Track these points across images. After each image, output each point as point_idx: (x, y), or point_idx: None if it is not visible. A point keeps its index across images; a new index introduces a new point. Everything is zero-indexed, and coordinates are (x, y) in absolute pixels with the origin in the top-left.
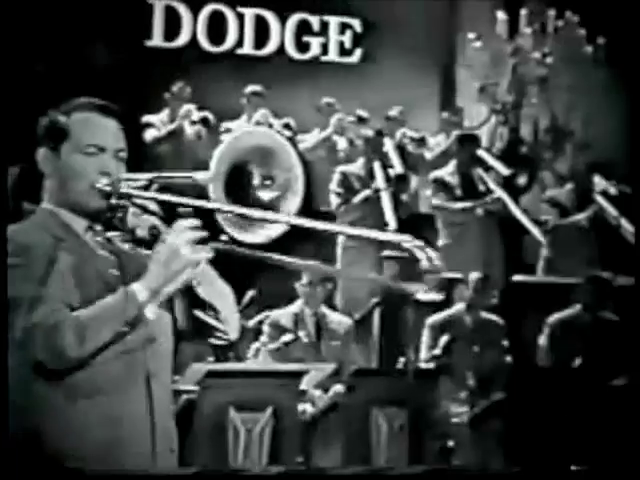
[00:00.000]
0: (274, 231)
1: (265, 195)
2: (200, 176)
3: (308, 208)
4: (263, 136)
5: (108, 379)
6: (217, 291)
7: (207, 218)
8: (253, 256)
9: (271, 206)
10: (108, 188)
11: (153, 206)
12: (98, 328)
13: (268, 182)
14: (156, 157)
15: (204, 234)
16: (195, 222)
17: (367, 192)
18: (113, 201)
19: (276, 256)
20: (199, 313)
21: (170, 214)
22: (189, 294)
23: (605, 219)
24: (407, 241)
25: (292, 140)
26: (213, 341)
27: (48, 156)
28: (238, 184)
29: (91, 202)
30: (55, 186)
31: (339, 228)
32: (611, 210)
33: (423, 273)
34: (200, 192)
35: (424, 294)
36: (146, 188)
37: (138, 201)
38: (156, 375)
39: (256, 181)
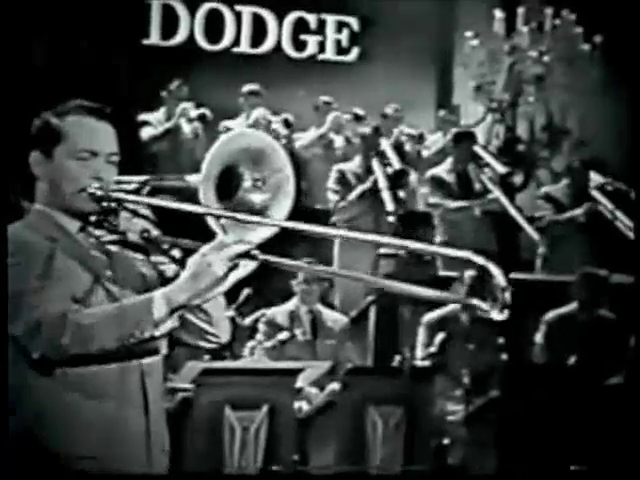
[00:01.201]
0: (265, 232)
1: (256, 197)
2: (192, 178)
3: (300, 208)
4: (253, 138)
5: (104, 378)
6: None
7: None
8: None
9: (263, 208)
10: (100, 192)
11: (144, 210)
12: (104, 331)
13: (259, 184)
14: (153, 155)
15: (243, 249)
16: (235, 238)
17: (363, 187)
18: (105, 204)
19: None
20: (190, 316)
21: (162, 218)
22: None
23: (601, 214)
24: (476, 256)
25: (290, 137)
26: (203, 344)
27: (41, 159)
28: (229, 186)
29: (83, 206)
30: (48, 188)
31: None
32: (606, 204)
33: (498, 291)
34: (193, 194)
35: (498, 313)
36: (138, 190)
37: (129, 205)
38: (150, 374)
39: (247, 183)
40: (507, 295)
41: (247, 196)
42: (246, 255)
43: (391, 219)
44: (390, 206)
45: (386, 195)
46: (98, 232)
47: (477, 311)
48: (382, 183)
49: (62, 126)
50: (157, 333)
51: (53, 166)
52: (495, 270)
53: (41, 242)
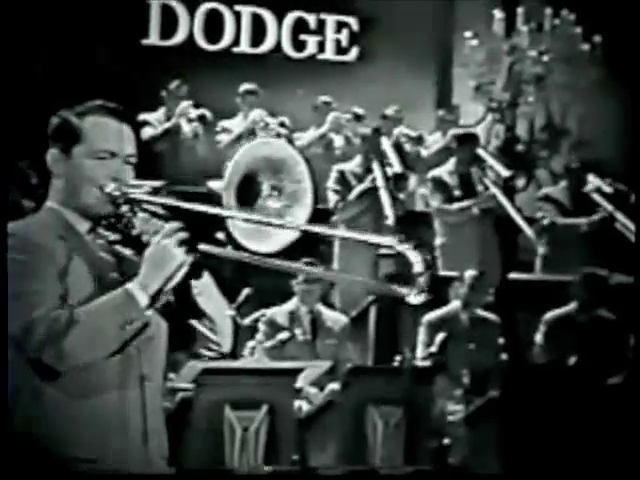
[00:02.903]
0: (285, 239)
1: (272, 205)
2: (214, 185)
3: (317, 219)
4: (277, 147)
5: (104, 381)
6: (215, 302)
7: (203, 219)
8: (248, 261)
9: (278, 215)
10: (117, 193)
11: (162, 211)
12: (100, 328)
13: (275, 192)
14: (153, 155)
15: (188, 235)
16: (181, 224)
17: (363, 186)
18: (122, 207)
19: (269, 260)
20: (194, 322)
21: (179, 220)
22: (187, 303)
23: (604, 220)
24: (399, 244)
25: (290, 137)
26: (204, 352)
27: (59, 157)
28: (249, 194)
29: (99, 207)
30: (63, 187)
31: (331, 231)
32: (606, 205)
33: (415, 276)
34: (215, 199)
35: (415, 297)
36: (152, 194)
37: (149, 207)
38: (149, 379)
39: (265, 191)
40: (422, 280)
41: (264, 203)
42: (194, 239)
43: (390, 221)
44: (388, 210)
45: (385, 198)
46: (108, 233)
47: (476, 310)
48: (381, 184)
49: (82, 126)
50: (146, 319)
51: (71, 165)
52: (413, 257)
53: (49, 241)
